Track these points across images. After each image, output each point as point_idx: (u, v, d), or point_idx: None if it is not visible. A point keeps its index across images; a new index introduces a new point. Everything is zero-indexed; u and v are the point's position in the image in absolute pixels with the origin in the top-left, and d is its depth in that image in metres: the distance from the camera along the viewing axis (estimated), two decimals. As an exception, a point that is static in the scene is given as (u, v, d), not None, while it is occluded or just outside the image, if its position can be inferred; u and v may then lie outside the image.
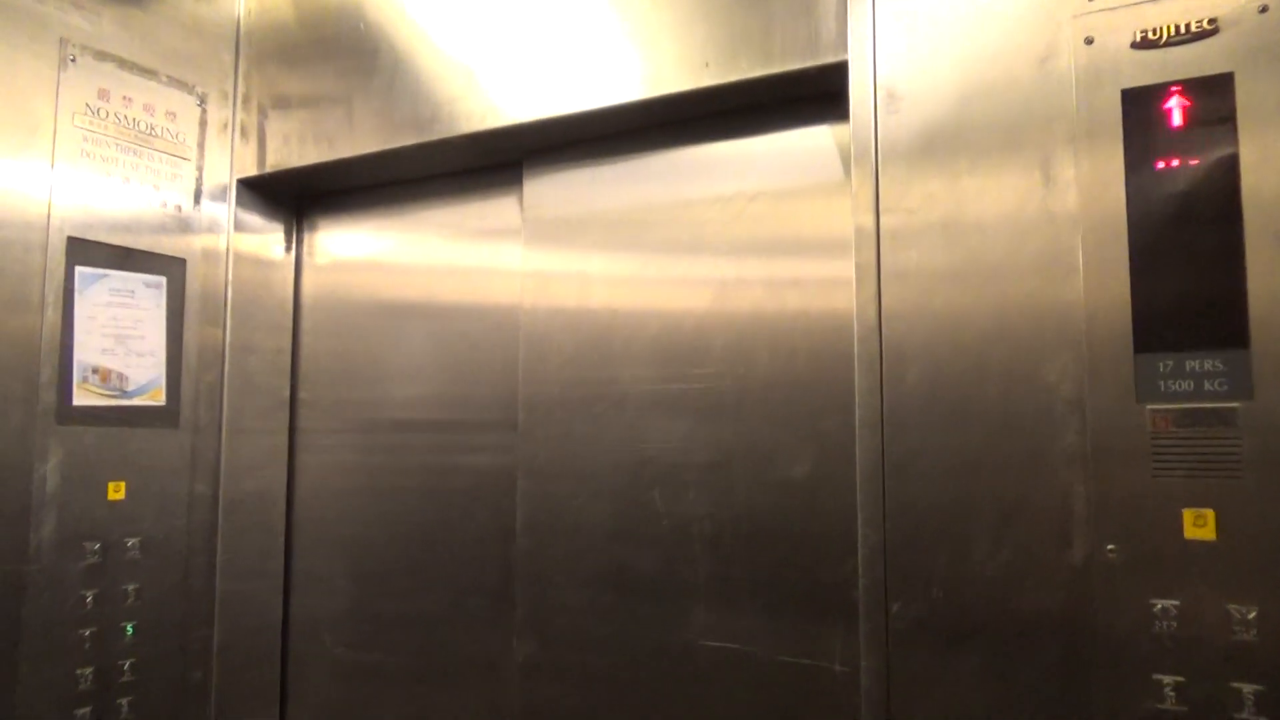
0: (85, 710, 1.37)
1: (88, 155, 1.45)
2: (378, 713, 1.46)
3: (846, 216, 1.10)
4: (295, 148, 1.57)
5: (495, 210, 1.52)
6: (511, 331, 1.41)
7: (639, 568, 1.26)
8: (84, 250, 1.43)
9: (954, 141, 1.05)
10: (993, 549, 0.99)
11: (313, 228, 1.73)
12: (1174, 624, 0.90)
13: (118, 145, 1.49)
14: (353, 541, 1.53)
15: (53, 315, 1.37)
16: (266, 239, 1.67)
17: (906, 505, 1.03)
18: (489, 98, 1.36)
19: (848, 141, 1.10)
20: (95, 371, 1.43)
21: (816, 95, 1.19)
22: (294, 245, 1.72)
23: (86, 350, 1.42)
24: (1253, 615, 0.87)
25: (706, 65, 1.20)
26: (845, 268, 1.10)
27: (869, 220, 1.07)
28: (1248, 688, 0.86)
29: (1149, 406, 0.92)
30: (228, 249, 1.60)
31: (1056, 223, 0.99)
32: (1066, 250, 0.98)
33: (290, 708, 1.53)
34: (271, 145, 1.60)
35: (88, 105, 1.45)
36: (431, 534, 1.46)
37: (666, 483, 1.25)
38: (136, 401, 1.47)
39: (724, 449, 1.22)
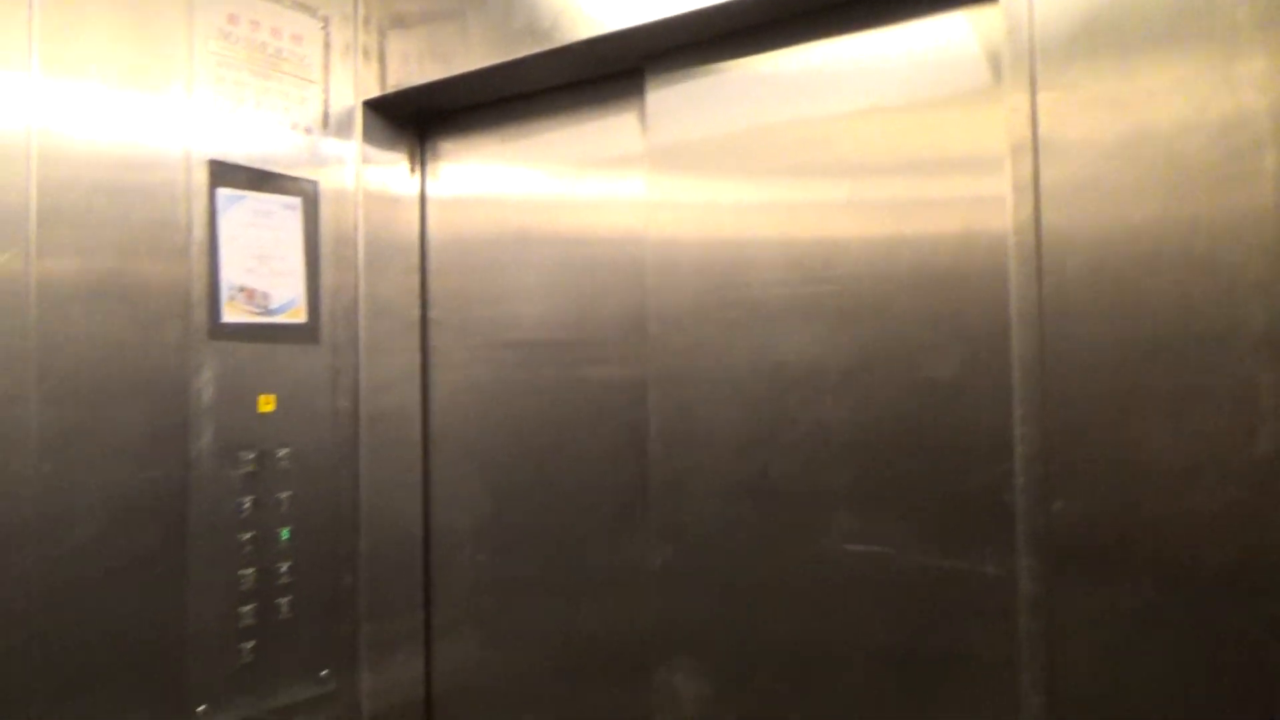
0: (249, 608, 1.45)
1: (220, 80, 1.49)
2: (516, 617, 1.51)
3: (994, 128, 1.04)
4: (415, 66, 1.57)
5: (617, 128, 1.49)
6: (637, 246, 1.40)
7: (775, 474, 1.24)
8: (224, 173, 1.47)
9: (1121, 33, 0.96)
10: (1165, 443, 0.93)
11: (435, 151, 1.74)
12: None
13: (249, 69, 1.52)
14: (487, 455, 1.56)
15: (200, 235, 1.42)
16: (392, 160, 1.69)
17: (1068, 400, 0.98)
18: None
19: (997, 43, 1.03)
20: (241, 290, 1.49)
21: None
22: (418, 167, 1.74)
23: (232, 269, 1.47)
24: None
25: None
26: (991, 182, 1.04)
27: (1025, 127, 1.01)
28: None
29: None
30: (357, 171, 1.63)
31: (1243, 121, 0.90)
32: (1254, 149, 0.89)
33: (434, 612, 1.59)
34: (391, 65, 1.61)
35: (219, 30, 1.49)
36: (563, 446, 1.48)
37: (804, 388, 1.23)
38: (280, 319, 1.53)
39: (863, 352, 1.19)
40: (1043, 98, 1.01)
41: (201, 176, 1.44)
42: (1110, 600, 0.96)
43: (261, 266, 1.52)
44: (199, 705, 1.39)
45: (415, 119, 1.72)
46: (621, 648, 1.38)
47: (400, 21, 1.60)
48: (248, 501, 1.47)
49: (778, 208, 1.27)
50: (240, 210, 1.50)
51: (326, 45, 1.63)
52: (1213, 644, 0.92)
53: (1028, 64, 1.01)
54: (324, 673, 1.53)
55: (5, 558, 1.19)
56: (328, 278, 1.58)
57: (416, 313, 1.65)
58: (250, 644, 1.46)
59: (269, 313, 1.52)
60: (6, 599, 1.18)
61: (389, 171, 1.69)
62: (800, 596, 1.23)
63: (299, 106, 1.59)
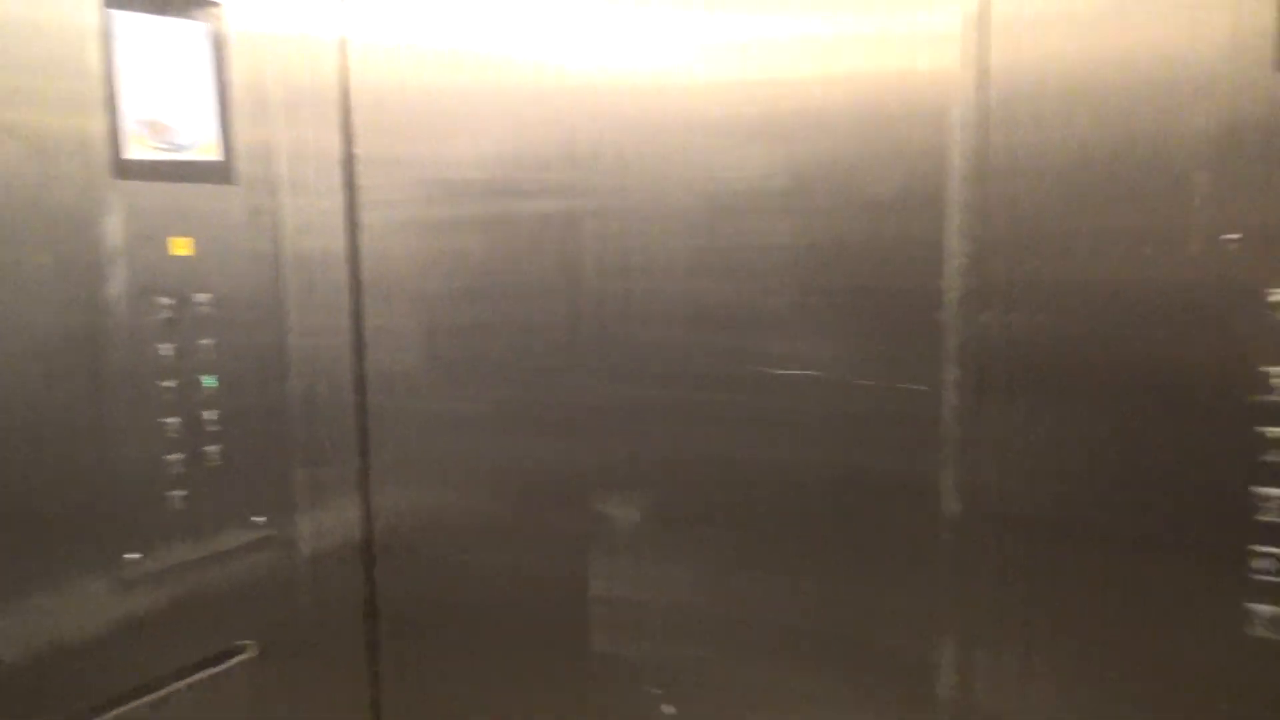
0: (176, 456, 1.42)
1: (108, -110, 1.35)
2: (458, 456, 1.50)
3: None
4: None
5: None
6: (581, 88, 1.32)
7: (713, 300, 1.22)
8: (117, -8, 1.35)
9: None
10: (1099, 249, 0.92)
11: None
12: (1294, 314, 0.84)
13: (139, -123, 1.38)
14: (423, 295, 1.51)
15: (96, 63, 1.31)
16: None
17: (1004, 209, 0.96)
18: None
19: None
20: (147, 124, 1.39)
21: None
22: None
23: (134, 102, 1.37)
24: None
25: None
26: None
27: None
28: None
29: (1293, 74, 0.82)
30: (266, -9, 1.50)
31: None
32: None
33: (372, 454, 1.58)
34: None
35: None
36: (502, 282, 1.43)
37: (744, 211, 1.19)
38: (191, 156, 1.44)
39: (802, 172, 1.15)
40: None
41: (92, -4, 1.32)
42: (1032, 411, 0.97)
43: (166, 99, 1.41)
44: (129, 553, 1.36)
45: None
46: (562, 480, 1.38)
47: None
48: (168, 349, 1.41)
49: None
50: (138, 35, 1.38)
51: None
52: (1131, 452, 0.94)
53: None
54: (259, 519, 1.51)
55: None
56: (243, 110, 1.48)
57: (341, 149, 1.56)
58: (181, 493, 1.43)
59: (178, 149, 1.43)
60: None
61: (303, -5, 1.56)
62: (738, 421, 1.23)
63: (199, -80, 1.45)
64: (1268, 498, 0.87)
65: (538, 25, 1.38)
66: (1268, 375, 0.85)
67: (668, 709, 1.30)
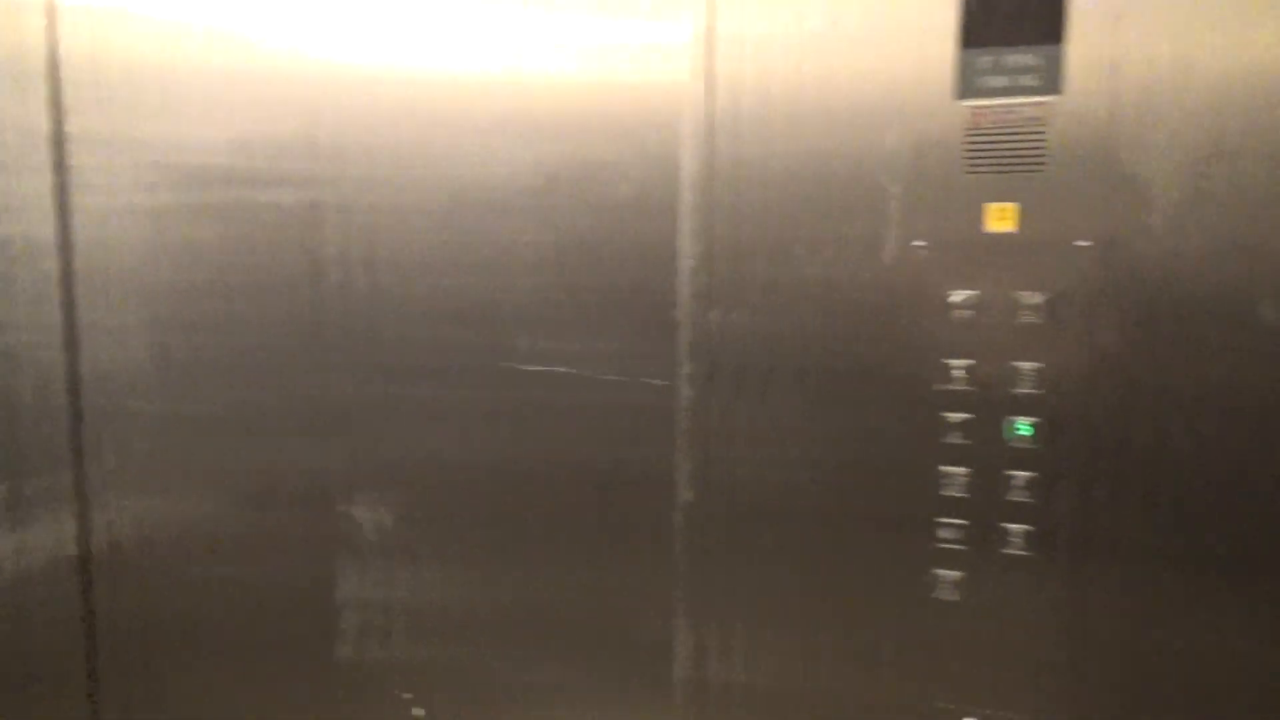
0: None
1: None
2: (191, 461, 1.39)
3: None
4: None
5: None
6: (323, 75, 1.26)
7: (462, 298, 1.21)
8: None
9: None
10: (812, 251, 1.01)
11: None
12: (969, 312, 0.95)
13: None
14: (150, 289, 1.38)
15: None
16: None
17: (731, 212, 1.03)
18: None
19: None
20: None
21: None
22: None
23: None
24: (1039, 300, 0.93)
25: None
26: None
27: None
28: (1026, 365, 0.94)
29: (966, 102, 0.93)
30: (-49, -56, 1.32)
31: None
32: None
33: (89, 466, 1.43)
34: None
35: None
36: (238, 273, 1.34)
37: (489, 207, 1.19)
38: None
39: (549, 172, 1.16)
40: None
41: None
42: (755, 402, 1.04)
43: None
44: None
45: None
46: (306, 483, 1.32)
47: None
48: None
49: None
50: None
51: None
52: (837, 437, 1.03)
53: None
54: (-51, 538, 1.33)
55: None
56: (-82, 76, 1.29)
57: (50, 125, 1.40)
58: None
59: None
60: None
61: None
62: (486, 417, 1.23)
63: None
64: (950, 475, 0.98)
65: (275, 2, 1.31)
66: (949, 366, 0.97)
67: (418, 711, 1.27)
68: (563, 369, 1.17)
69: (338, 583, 1.30)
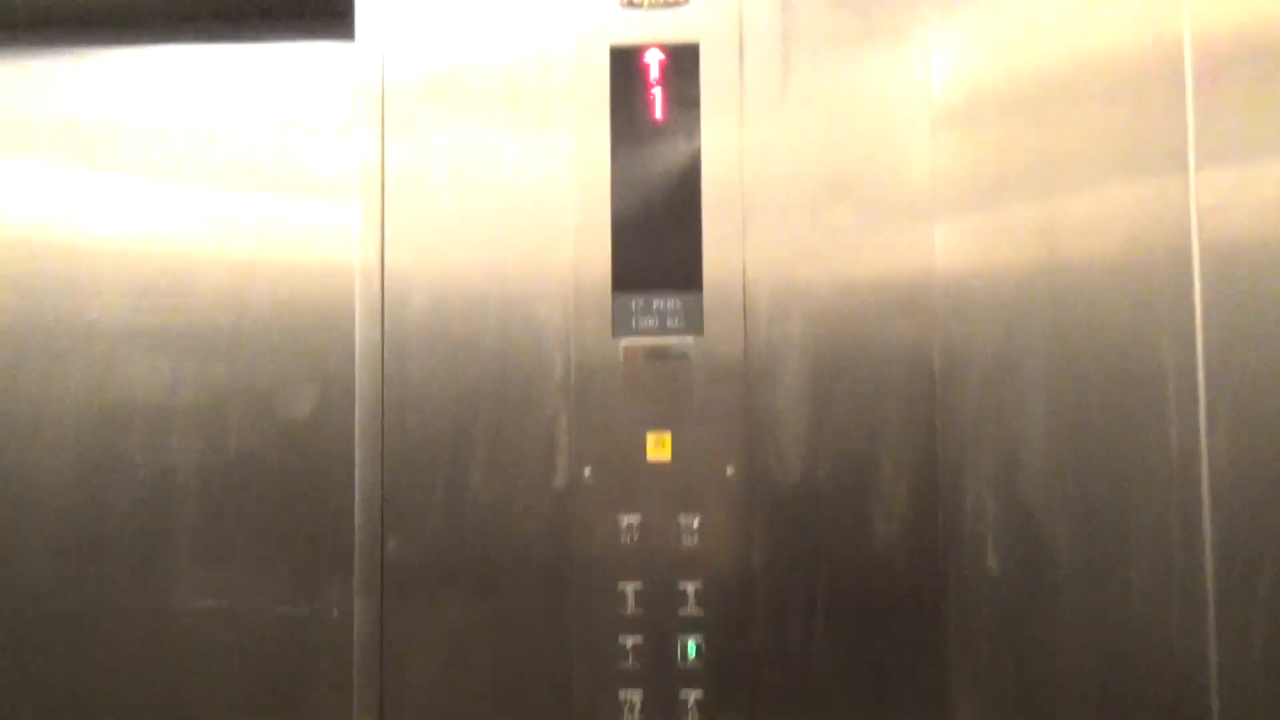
0: None
1: None
2: None
3: (352, 152, 1.05)
4: None
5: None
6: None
7: (111, 527, 1.09)
8: None
9: (460, 82, 1.04)
10: (486, 480, 1.02)
11: None
12: (636, 537, 1.00)
13: None
14: None
15: None
16: None
17: (406, 438, 1.02)
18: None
19: (356, 71, 1.05)
20: None
21: (328, 13, 1.12)
22: None
23: None
24: (696, 524, 0.99)
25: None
26: (349, 201, 1.06)
27: (374, 156, 1.04)
28: (690, 585, 0.99)
29: (622, 340, 1.01)
30: None
31: (553, 169, 1.03)
32: (561, 195, 1.03)
33: None
34: None
35: None
36: None
37: (147, 428, 1.10)
38: None
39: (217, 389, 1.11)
40: (391, 143, 1.04)
41: None
42: (437, 626, 1.02)
43: None
44: None
45: None
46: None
47: None
48: None
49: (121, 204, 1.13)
50: None
51: None
52: (529, 650, 1.02)
53: (379, 107, 1.04)
54: None
55: None
56: None
57: None
58: None
59: None
60: None
61: None
62: (145, 663, 1.10)
63: None
64: (628, 699, 0.99)
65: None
66: (625, 592, 1.00)
67: None
68: (228, 604, 1.08)
69: None
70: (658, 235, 1.02)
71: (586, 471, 1.00)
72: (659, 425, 1.00)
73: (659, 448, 1.00)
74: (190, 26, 1.15)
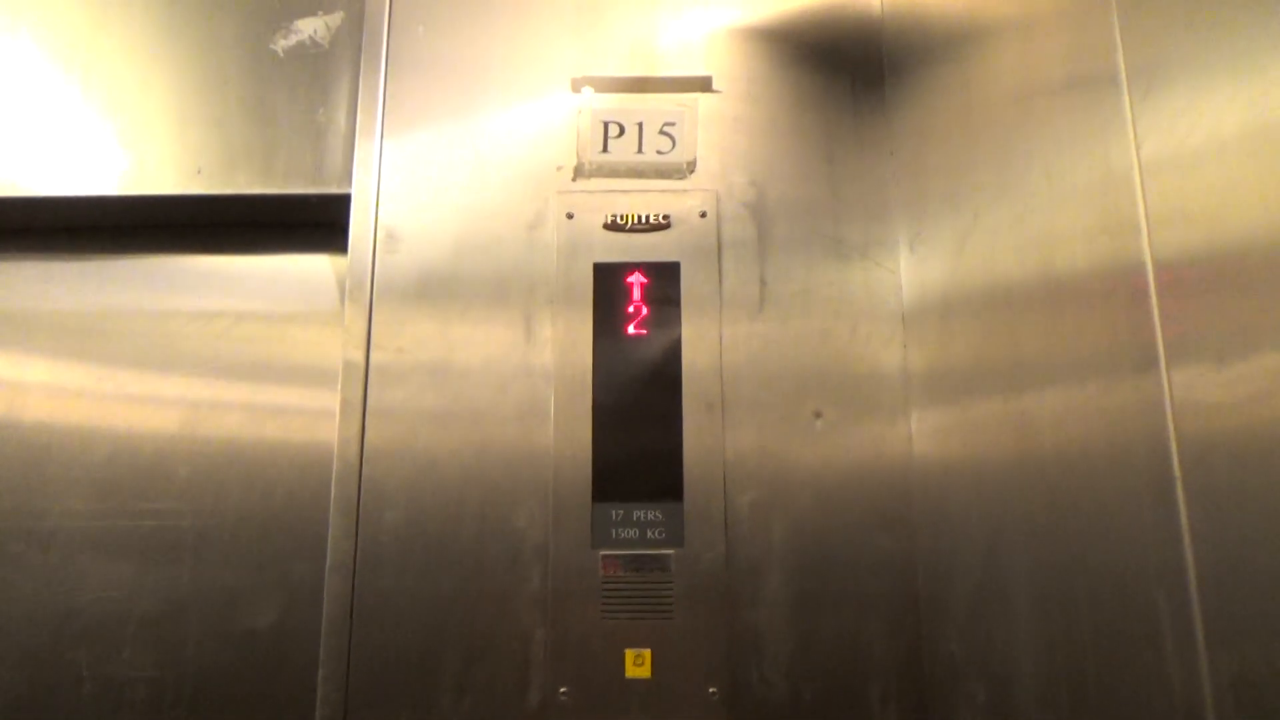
0: None
1: None
2: None
3: (337, 349, 1.07)
4: None
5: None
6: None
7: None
8: None
9: (447, 288, 1.08)
10: (457, 698, 0.97)
11: None
12: (614, 762, 0.94)
13: None
14: None
15: None
16: None
17: (373, 654, 0.97)
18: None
19: (345, 274, 1.08)
20: None
21: (317, 223, 1.16)
22: None
23: None
24: (668, 750, 0.94)
25: (199, 172, 1.11)
26: (331, 400, 1.06)
27: (359, 356, 1.05)
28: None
29: (601, 552, 0.99)
30: None
31: (534, 376, 1.05)
32: (541, 402, 1.04)
33: None
34: None
35: None
36: None
37: (98, 639, 1.05)
38: None
39: (176, 597, 1.06)
40: (377, 330, 1.06)
41: None
42: None
43: None
44: None
45: None
46: None
47: None
48: None
49: (100, 397, 1.12)
50: None
51: None
52: None
53: (367, 306, 1.07)
54: None
55: None
56: None
57: None
58: None
59: None
60: None
61: None
62: None
63: None
64: None
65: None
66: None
67: None
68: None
69: None
70: (639, 445, 1.02)
71: (562, 691, 0.96)
72: (638, 642, 0.97)
73: (639, 665, 0.96)
74: (187, 236, 1.19)
